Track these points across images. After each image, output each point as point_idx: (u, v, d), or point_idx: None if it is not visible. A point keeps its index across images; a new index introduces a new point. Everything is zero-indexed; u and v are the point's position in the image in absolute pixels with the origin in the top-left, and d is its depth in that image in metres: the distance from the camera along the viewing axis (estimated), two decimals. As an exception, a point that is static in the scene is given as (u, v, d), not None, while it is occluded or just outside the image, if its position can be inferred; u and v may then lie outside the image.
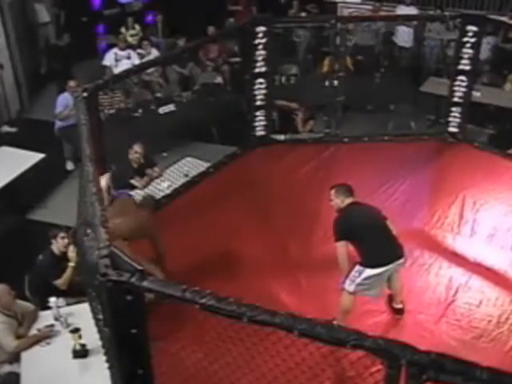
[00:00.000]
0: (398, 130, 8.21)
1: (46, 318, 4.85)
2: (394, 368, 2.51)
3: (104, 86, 5.87)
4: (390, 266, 4.71)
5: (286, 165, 6.80)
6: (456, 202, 6.30)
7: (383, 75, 9.99)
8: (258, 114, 6.97)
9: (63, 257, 5.38)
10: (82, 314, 4.69)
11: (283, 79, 9.73)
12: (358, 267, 4.70)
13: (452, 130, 7.05)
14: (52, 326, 4.77)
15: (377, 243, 4.72)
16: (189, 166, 6.99)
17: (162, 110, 8.55)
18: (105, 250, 2.99)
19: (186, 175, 6.80)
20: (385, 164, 6.70)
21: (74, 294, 5.15)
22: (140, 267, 2.89)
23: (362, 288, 4.74)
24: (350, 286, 4.74)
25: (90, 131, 4.37)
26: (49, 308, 4.89)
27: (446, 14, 8.47)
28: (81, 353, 4.49)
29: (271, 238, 5.84)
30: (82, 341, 4.50)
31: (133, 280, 2.81)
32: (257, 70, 6.74)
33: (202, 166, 6.95)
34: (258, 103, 6.91)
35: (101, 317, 3.74)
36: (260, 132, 7.07)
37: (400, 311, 5.13)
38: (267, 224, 6.02)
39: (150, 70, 8.54)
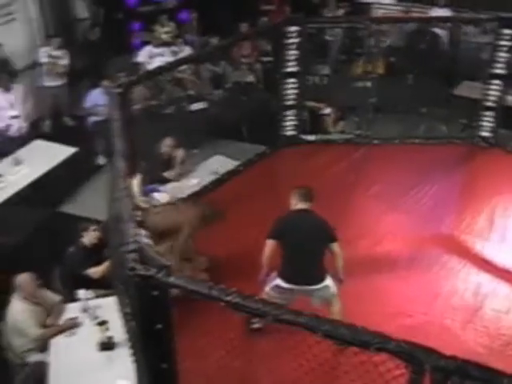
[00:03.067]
0: (429, 133, 8.12)
1: (73, 310, 4.92)
2: (418, 373, 2.48)
3: (137, 82, 5.93)
4: (297, 287, 4.56)
5: (315, 165, 6.79)
6: (486, 208, 6.23)
7: (416, 77, 9.88)
8: (288, 113, 6.97)
9: (94, 249, 5.45)
10: (110, 306, 4.77)
11: (316, 79, 9.69)
12: (275, 272, 4.63)
13: (484, 134, 6.98)
14: (76, 318, 4.84)
15: (294, 258, 4.56)
16: (218, 164, 7.02)
17: (194, 107, 8.60)
18: (133, 245, 3.02)
19: (216, 173, 6.83)
20: (415, 167, 6.65)
21: (104, 285, 5.19)
22: (168, 263, 2.91)
23: (273, 295, 4.59)
24: (267, 287, 4.66)
25: (122, 127, 4.42)
26: (77, 300, 4.97)
27: (482, 16, 8.33)
28: (108, 345, 4.55)
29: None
30: (109, 333, 4.57)
31: (159, 275, 2.84)
32: (289, 70, 6.74)
33: (231, 164, 6.98)
34: (289, 103, 6.91)
35: (128, 310, 3.78)
36: (290, 132, 7.07)
37: None
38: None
39: (182, 68, 8.59)
